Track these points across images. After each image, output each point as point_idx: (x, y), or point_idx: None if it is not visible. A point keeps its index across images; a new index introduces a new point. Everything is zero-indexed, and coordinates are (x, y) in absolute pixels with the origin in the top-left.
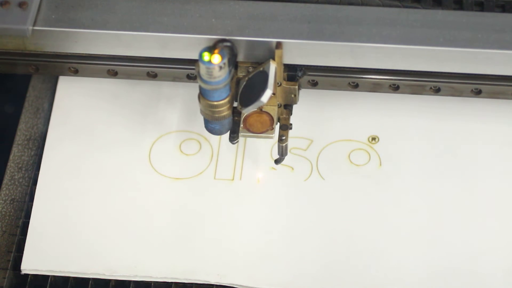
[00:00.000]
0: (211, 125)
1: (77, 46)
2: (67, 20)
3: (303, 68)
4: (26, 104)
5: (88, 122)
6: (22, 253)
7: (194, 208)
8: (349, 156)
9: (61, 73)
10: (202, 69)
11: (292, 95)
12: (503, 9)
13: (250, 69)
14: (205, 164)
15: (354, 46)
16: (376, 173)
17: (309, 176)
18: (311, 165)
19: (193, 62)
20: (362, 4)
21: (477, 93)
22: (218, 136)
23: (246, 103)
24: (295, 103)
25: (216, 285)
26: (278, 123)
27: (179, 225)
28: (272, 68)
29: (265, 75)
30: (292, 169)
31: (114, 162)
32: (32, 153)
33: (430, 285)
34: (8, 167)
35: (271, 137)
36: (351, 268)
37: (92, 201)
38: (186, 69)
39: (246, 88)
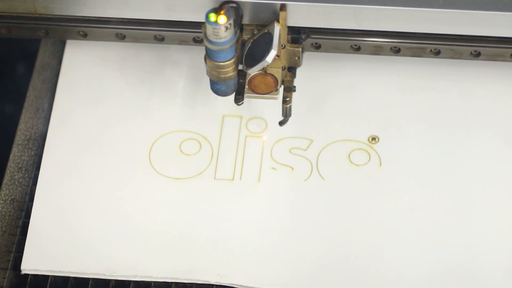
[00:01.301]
0: (217, 86)
1: (86, 9)
2: None
3: (306, 31)
4: (26, 104)
5: (88, 122)
6: (22, 253)
7: (194, 208)
8: (349, 156)
9: (70, 36)
10: (209, 29)
11: (296, 58)
12: None
13: (255, 32)
14: (205, 164)
15: (356, 8)
16: (376, 173)
17: (309, 176)
18: (311, 165)
19: (199, 24)
20: None
21: (476, 55)
22: (218, 136)
23: (251, 63)
24: (299, 65)
25: (216, 285)
26: (282, 85)
27: (179, 225)
28: (277, 29)
29: (269, 36)
30: (292, 169)
31: (114, 162)
32: (32, 153)
33: (430, 285)
34: (8, 167)
35: (276, 98)
36: (350, 268)
37: (92, 201)
38: (193, 32)
39: (251, 50)
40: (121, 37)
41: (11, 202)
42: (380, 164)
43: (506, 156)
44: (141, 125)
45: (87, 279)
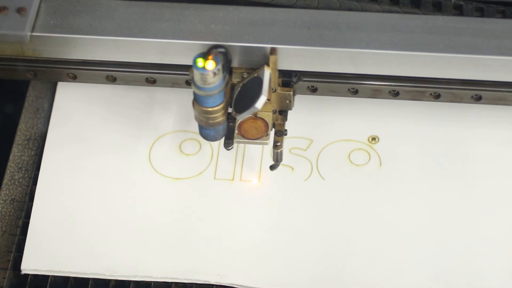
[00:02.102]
0: (206, 131)
1: (76, 52)
2: (66, 26)
3: (298, 74)
4: (26, 104)
5: (88, 122)
6: (22, 253)
7: (194, 208)
8: (349, 156)
9: (59, 79)
10: (196, 75)
11: (287, 101)
12: (503, 15)
13: (245, 75)
14: (205, 164)
15: (353, 52)
16: (376, 173)
17: (309, 176)
18: (311, 165)
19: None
20: (362, 10)
21: (477, 99)
22: None
23: (240, 109)
24: (290, 108)
25: (216, 285)
26: (273, 129)
27: (179, 225)
28: (267, 74)
29: (259, 81)
30: (292, 169)
31: (114, 162)
32: (32, 153)
33: (430, 285)
34: (8, 167)
35: (266, 143)
36: (350, 268)
37: (92, 201)
38: (185, 75)
39: (241, 94)
40: (112, 79)
41: (11, 202)
42: (380, 164)
43: (506, 155)
44: (141, 125)
45: (87, 279)
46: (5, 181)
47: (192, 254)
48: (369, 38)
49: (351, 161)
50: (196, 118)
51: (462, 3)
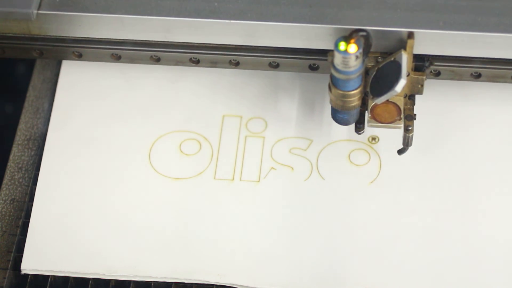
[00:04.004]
0: (340, 115)
1: (81, 30)
2: (71, 4)
3: (429, 58)
4: (26, 104)
5: (88, 122)
6: (22, 253)
7: (194, 208)
8: (349, 156)
9: (65, 57)
10: (338, 58)
11: (419, 85)
12: None
13: (379, 59)
14: (205, 164)
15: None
16: (376, 173)
17: (309, 176)
18: (311, 165)
19: (196, 46)
20: None
21: (477, 76)
22: (218, 136)
23: (378, 93)
24: (421, 93)
25: (216, 285)
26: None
27: (179, 225)
28: (404, 58)
29: (397, 65)
30: (292, 169)
31: (114, 162)
32: (32, 153)
33: (430, 286)
34: (8, 167)
35: (400, 127)
36: (351, 268)
37: (92, 201)
38: (189, 53)
39: (377, 78)
40: (117, 58)
41: (11, 202)
42: (380, 164)
43: (507, 155)
44: (141, 125)
45: (87, 279)
46: (5, 181)
47: (192, 254)
48: (369, 15)
49: (351, 161)
50: (332, 102)
51: None
